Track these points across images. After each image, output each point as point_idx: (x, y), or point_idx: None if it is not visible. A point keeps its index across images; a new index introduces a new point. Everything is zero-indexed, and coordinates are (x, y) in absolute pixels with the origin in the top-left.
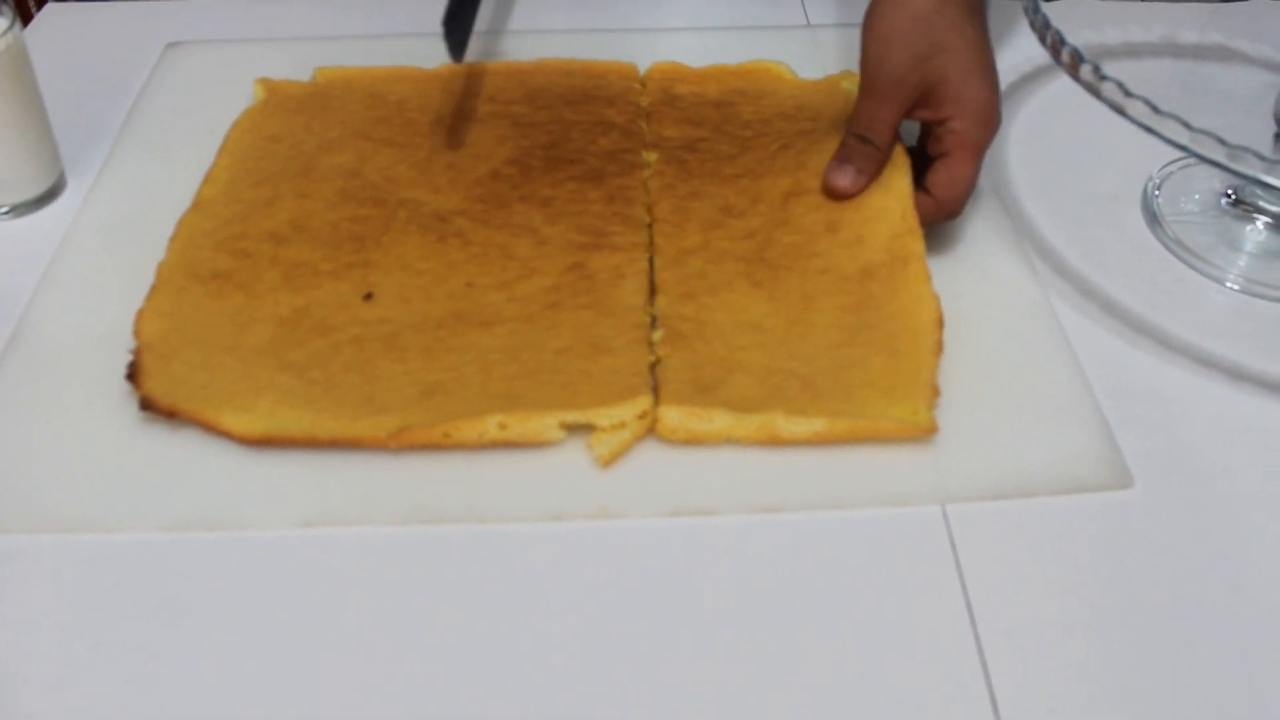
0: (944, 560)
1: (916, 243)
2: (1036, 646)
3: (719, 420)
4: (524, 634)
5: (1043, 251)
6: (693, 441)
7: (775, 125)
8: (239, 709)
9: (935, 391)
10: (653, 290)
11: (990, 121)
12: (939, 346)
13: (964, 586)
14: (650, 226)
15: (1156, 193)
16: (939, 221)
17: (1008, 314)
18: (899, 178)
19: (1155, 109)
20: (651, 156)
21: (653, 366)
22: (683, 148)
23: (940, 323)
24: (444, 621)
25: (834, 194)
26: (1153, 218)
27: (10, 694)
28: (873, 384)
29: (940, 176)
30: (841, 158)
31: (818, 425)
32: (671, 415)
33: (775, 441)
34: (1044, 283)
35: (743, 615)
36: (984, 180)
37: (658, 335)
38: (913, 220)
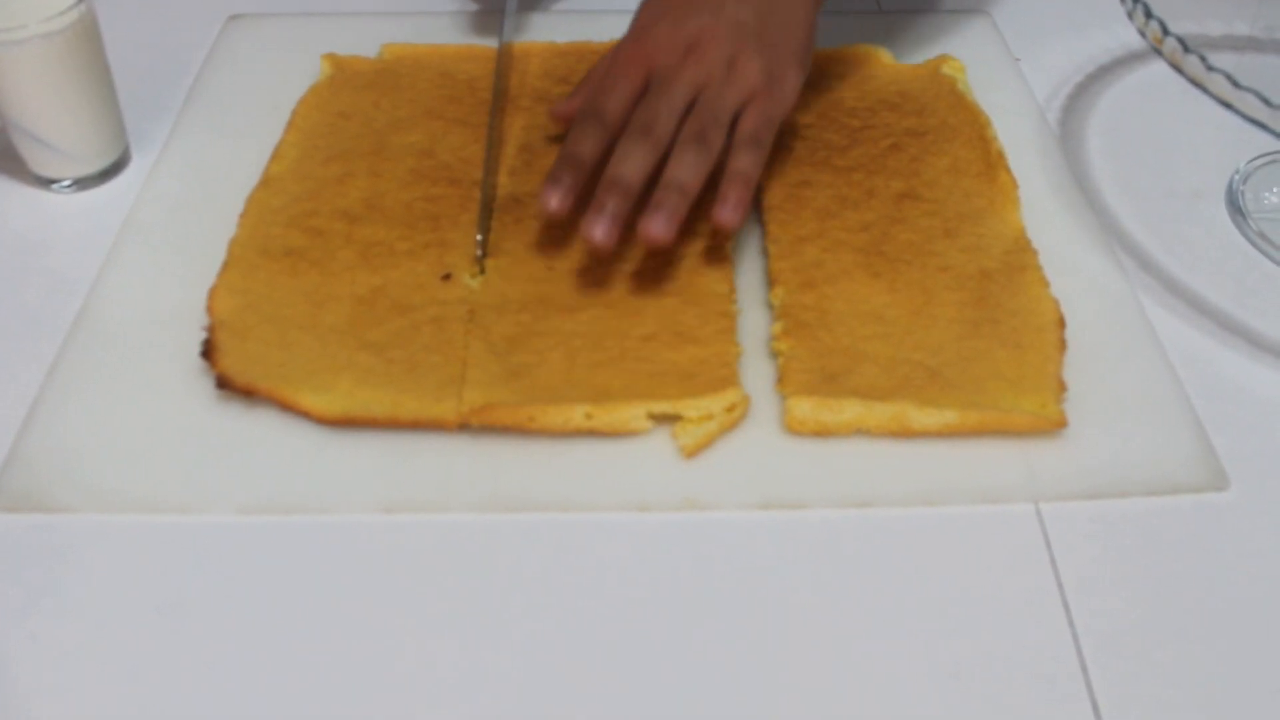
0: (1039, 559)
1: (1032, 256)
2: (1136, 649)
3: (849, 410)
4: (608, 625)
5: (1127, 247)
6: (821, 433)
7: (881, 116)
8: (318, 694)
9: (1062, 386)
10: (770, 281)
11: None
12: (1063, 344)
13: (1060, 585)
14: (762, 213)
15: (1242, 188)
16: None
17: (1095, 311)
18: (1011, 210)
19: (1235, 84)
20: None
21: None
22: (785, 133)
23: (1062, 323)
24: (527, 611)
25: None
26: (1238, 213)
27: (86, 677)
28: (1000, 376)
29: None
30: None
31: (950, 416)
32: (802, 407)
33: (905, 433)
34: (1130, 279)
35: (834, 611)
36: (1065, 175)
37: (777, 328)
38: (1026, 243)
